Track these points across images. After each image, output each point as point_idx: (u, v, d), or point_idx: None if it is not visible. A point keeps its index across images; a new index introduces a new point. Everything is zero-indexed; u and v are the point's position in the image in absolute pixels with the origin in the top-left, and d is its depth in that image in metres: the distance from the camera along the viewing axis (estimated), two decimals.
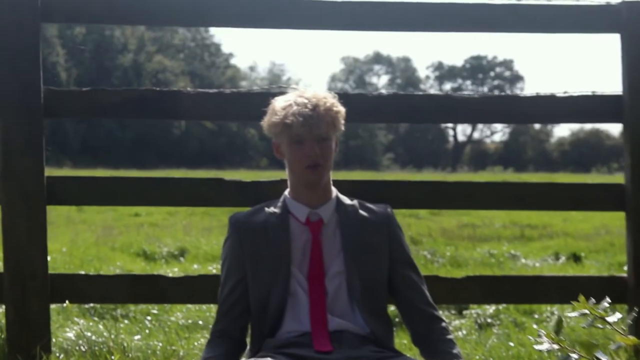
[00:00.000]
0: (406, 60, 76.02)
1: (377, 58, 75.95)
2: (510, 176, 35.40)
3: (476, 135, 70.02)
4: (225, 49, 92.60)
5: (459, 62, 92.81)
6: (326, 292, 2.71)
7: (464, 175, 38.14)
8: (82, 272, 5.60)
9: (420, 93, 3.29)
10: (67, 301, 3.11)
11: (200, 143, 59.48)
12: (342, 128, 2.81)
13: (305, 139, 2.70)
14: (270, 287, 2.72)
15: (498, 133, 69.63)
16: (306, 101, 2.72)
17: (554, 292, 3.33)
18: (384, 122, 3.29)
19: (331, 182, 2.85)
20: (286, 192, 2.86)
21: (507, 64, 73.93)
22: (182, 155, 54.89)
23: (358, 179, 3.27)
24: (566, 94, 3.30)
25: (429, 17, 3.20)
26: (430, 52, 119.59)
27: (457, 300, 3.68)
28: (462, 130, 68.51)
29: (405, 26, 3.23)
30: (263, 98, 2.99)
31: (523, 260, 7.62)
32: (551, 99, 3.29)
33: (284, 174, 2.84)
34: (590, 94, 3.32)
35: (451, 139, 69.16)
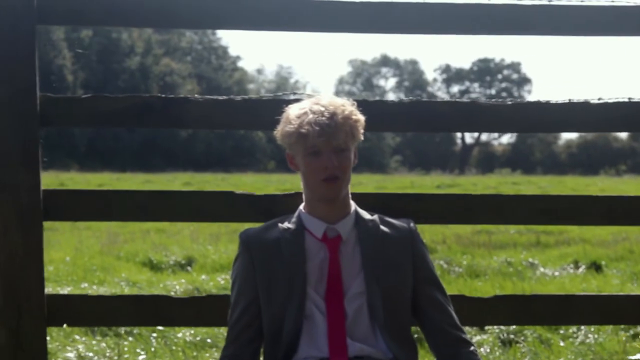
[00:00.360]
0: (413, 62, 76.14)
1: (385, 61, 76.03)
2: (519, 179, 35.18)
3: (484, 137, 69.96)
4: (233, 51, 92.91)
5: (466, 64, 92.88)
6: (345, 315, 2.53)
7: (473, 179, 37.88)
8: (81, 291, 5.45)
9: (444, 100, 3.04)
10: (65, 325, 2.90)
11: (208, 146, 59.56)
12: (362, 138, 2.64)
13: (322, 149, 2.53)
14: (284, 309, 2.55)
15: (506, 135, 69.50)
16: (323, 109, 2.55)
17: (589, 312, 3.10)
18: (404, 130, 3.05)
19: (350, 196, 2.67)
20: (301, 207, 2.69)
21: (515, 67, 73.96)
22: (189, 158, 54.98)
23: (378, 192, 3.05)
24: (601, 101, 3.07)
25: (455, 19, 2.97)
26: (437, 54, 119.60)
27: (485, 322, 3.45)
28: (470, 133, 68.39)
29: (430, 29, 3.01)
30: (275, 105, 2.80)
31: (542, 269, 7.39)
32: (585, 105, 3.05)
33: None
34: (626, 100, 3.08)
35: (459, 141, 69.17)
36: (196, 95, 2.95)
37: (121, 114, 2.91)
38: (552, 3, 3.02)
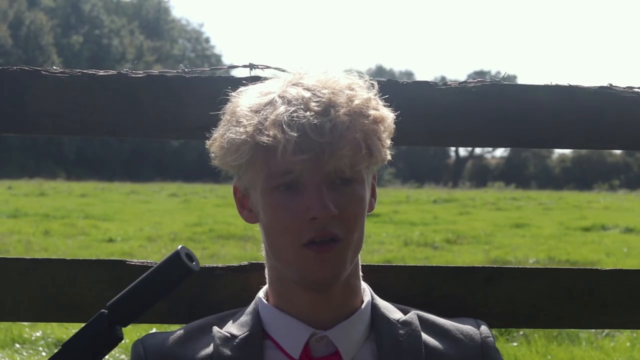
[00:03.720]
0: (409, 74, 75.93)
1: (380, 72, 75.73)
2: (516, 194, 33.82)
3: (477, 150, 69.49)
4: (226, 60, 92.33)
5: (462, 76, 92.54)
6: None
7: (469, 192, 36.74)
8: None
9: (548, 84, 1.51)
10: None
11: (199, 155, 58.82)
12: (388, 156, 1.34)
13: (304, 180, 1.28)
14: None
15: (500, 148, 69.17)
16: (307, 95, 1.28)
17: None
18: (470, 144, 1.52)
19: (360, 274, 1.38)
20: (261, 294, 1.41)
21: (511, 80, 73.22)
22: (180, 168, 54.33)
23: (412, 264, 1.57)
24: None
25: None
26: (433, 66, 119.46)
27: None
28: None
29: None
30: (212, 90, 1.35)
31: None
32: None
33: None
34: None
35: (452, 154, 68.49)
36: (55, 68, 1.45)
37: None
38: None
